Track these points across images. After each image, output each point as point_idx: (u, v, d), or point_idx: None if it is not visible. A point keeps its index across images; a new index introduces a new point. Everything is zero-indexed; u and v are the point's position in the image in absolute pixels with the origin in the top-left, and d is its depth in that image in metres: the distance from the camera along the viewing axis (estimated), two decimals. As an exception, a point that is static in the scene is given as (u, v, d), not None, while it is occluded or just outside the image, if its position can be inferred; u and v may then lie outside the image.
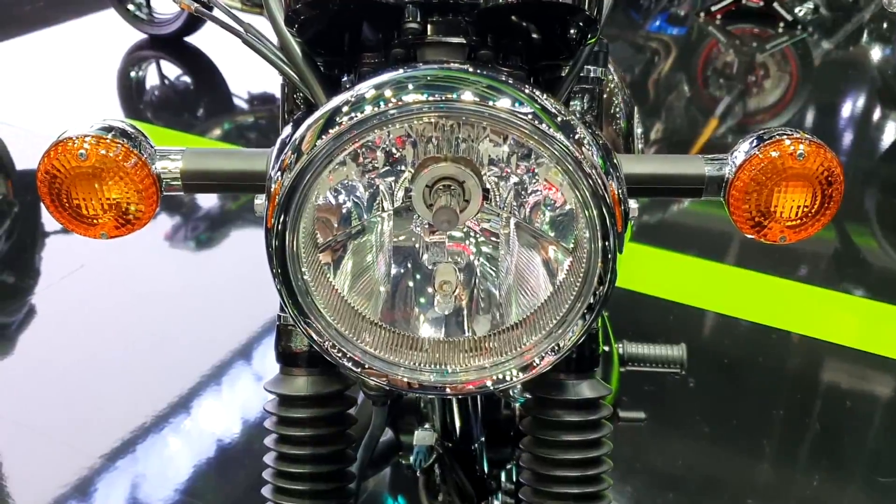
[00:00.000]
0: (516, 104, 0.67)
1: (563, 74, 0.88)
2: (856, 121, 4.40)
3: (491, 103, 0.66)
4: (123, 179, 0.77)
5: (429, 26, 0.78)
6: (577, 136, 0.69)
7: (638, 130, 1.24)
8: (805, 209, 0.80)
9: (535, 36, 0.85)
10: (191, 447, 2.13)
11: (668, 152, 3.90)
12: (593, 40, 0.85)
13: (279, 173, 0.71)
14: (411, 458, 1.33)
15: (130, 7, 4.43)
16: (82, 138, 0.76)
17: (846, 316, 2.64)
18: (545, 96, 0.70)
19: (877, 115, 4.60)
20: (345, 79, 0.91)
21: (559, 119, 0.69)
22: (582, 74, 0.93)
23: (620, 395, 1.86)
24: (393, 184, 0.76)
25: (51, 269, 2.84)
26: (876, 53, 5.32)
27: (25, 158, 3.47)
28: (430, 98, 0.66)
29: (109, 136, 0.77)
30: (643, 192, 0.82)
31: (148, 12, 4.47)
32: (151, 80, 4.44)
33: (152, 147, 0.80)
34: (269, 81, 3.87)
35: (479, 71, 0.70)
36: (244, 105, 4.15)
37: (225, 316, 2.61)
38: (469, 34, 0.80)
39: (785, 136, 0.79)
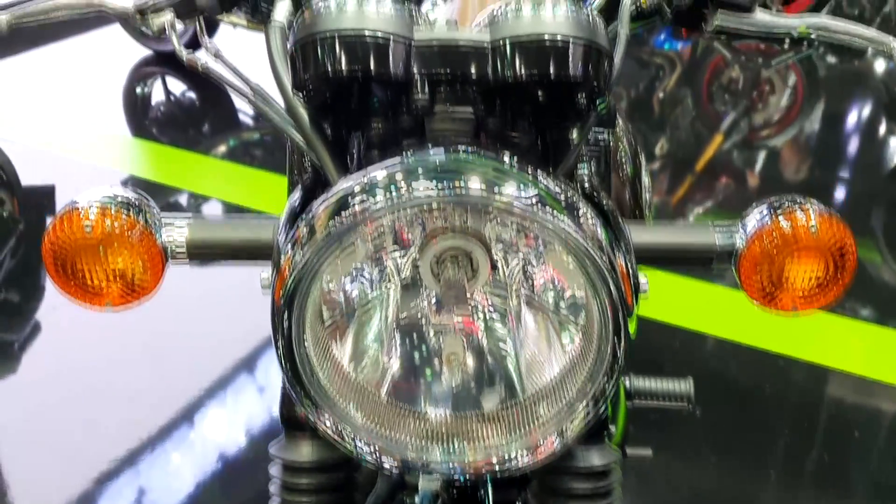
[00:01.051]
0: (521, 187, 0.67)
1: (572, 137, 0.88)
2: (862, 136, 4.39)
3: (497, 190, 0.66)
4: (129, 251, 0.77)
5: (437, 96, 0.78)
6: (581, 218, 0.69)
7: (646, 180, 1.24)
8: (817, 281, 0.79)
9: (543, 102, 0.84)
10: (194, 462, 2.14)
11: (674, 169, 3.91)
12: (602, 105, 0.84)
13: (289, 247, 0.71)
14: (416, 501, 1.32)
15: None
16: (87, 210, 0.76)
17: (853, 342, 2.62)
18: (550, 178, 0.70)
19: (883, 129, 4.59)
20: (352, 138, 0.91)
21: (563, 200, 0.69)
22: (590, 137, 0.93)
23: (627, 430, 1.85)
24: (400, 257, 0.76)
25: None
26: (881, 67, 5.31)
27: (31, 176, 3.48)
28: (440, 187, 0.66)
29: (114, 206, 0.77)
30: (652, 262, 0.81)
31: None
32: (157, 96, 4.45)
33: (158, 215, 0.80)
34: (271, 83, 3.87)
35: (485, 155, 0.70)
36: (249, 121, 4.15)
37: (231, 329, 2.61)
38: (477, 104, 0.80)
39: (797, 207, 0.78)
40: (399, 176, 0.67)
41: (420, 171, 0.67)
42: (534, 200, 0.67)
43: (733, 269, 0.81)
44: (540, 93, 0.84)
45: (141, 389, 2.36)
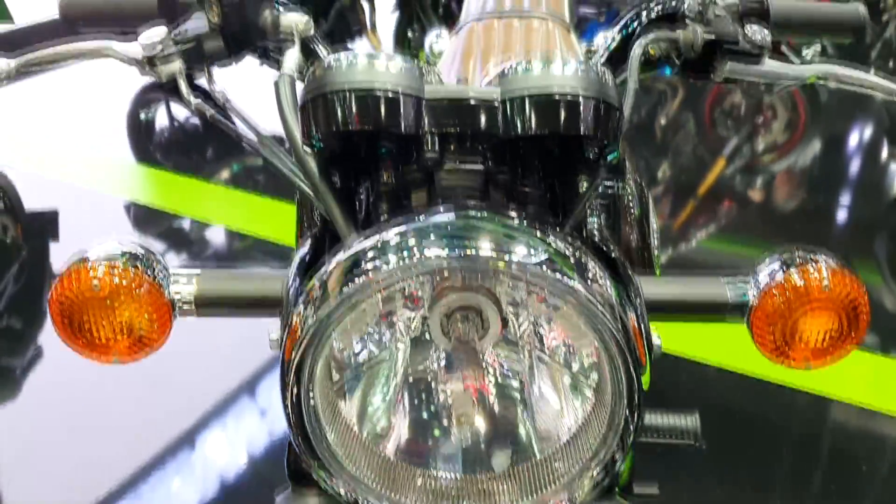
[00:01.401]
0: (531, 249, 0.67)
1: (581, 187, 0.88)
2: (864, 161, 4.39)
3: (507, 255, 0.66)
4: (136, 306, 0.77)
5: (447, 151, 0.78)
6: (591, 279, 0.68)
7: (654, 223, 1.23)
8: (830, 337, 0.79)
9: (552, 155, 0.84)
10: (196, 490, 2.13)
11: (676, 195, 3.91)
12: (611, 157, 0.84)
13: (301, 306, 0.70)
14: None
15: (140, 49, 4.45)
16: (95, 267, 0.76)
17: (859, 373, 2.61)
18: (559, 236, 0.70)
19: (884, 154, 4.59)
20: (361, 186, 0.91)
21: (573, 259, 0.69)
22: (600, 189, 0.93)
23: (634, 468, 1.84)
24: (410, 315, 0.76)
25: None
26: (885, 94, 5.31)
27: (35, 201, 3.48)
28: (451, 252, 0.66)
29: (122, 261, 0.77)
30: (663, 316, 0.81)
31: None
32: (160, 121, 4.45)
33: (166, 270, 0.80)
34: (277, 124, 3.86)
35: (495, 215, 0.70)
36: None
37: (233, 358, 2.60)
38: (486, 158, 0.80)
39: (809, 262, 0.78)
40: (411, 239, 0.67)
41: (431, 234, 0.67)
42: (544, 264, 0.66)
43: (745, 323, 0.80)
44: (549, 146, 0.83)
45: (143, 419, 2.36)
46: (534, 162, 0.85)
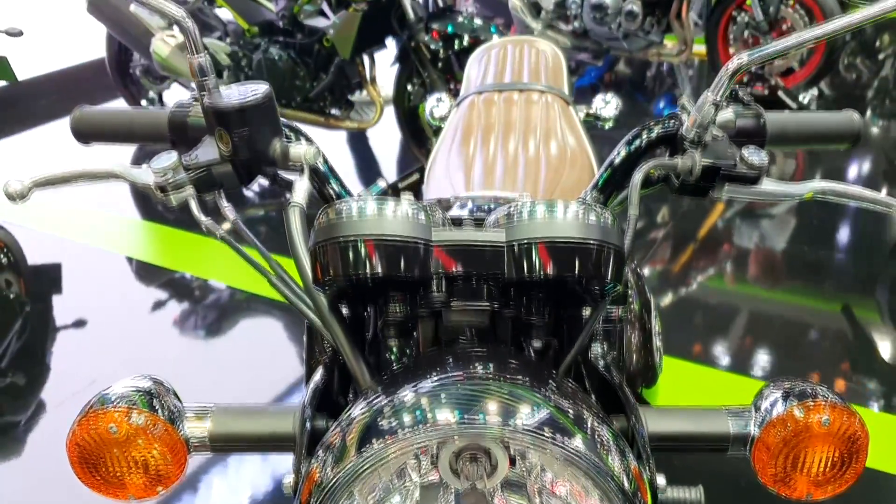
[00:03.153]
0: (534, 410, 0.69)
1: (585, 315, 0.90)
2: (865, 207, 4.41)
3: (511, 422, 0.69)
4: (152, 445, 0.79)
5: (454, 291, 0.81)
6: (591, 428, 0.71)
7: (656, 328, 1.25)
8: (830, 470, 0.80)
9: (556, 290, 0.86)
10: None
11: (676, 240, 3.93)
12: (616, 290, 0.86)
13: (321, 452, 0.72)
14: None
15: (143, 102, 4.50)
16: (112, 411, 0.78)
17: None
18: (559, 396, 0.72)
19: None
20: (369, 312, 0.92)
21: (572, 413, 0.71)
22: (603, 314, 0.95)
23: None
24: (420, 462, 0.77)
25: (59, 366, 2.86)
26: (880, 133, 5.37)
27: (37, 256, 3.51)
28: (460, 420, 0.68)
29: (138, 401, 0.78)
30: (666, 449, 0.83)
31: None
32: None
33: (180, 405, 0.82)
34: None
35: (499, 377, 0.72)
36: (254, 198, 4.20)
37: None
38: (492, 296, 0.82)
39: (808, 397, 0.80)
40: (423, 400, 0.69)
41: (442, 396, 0.69)
42: (545, 426, 0.69)
43: (748, 455, 0.82)
44: (554, 286, 0.86)
45: None
46: (538, 296, 0.87)
